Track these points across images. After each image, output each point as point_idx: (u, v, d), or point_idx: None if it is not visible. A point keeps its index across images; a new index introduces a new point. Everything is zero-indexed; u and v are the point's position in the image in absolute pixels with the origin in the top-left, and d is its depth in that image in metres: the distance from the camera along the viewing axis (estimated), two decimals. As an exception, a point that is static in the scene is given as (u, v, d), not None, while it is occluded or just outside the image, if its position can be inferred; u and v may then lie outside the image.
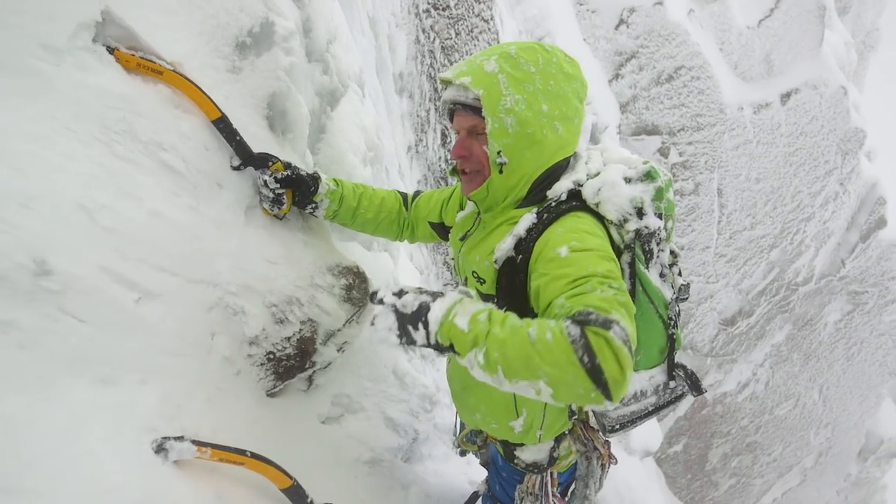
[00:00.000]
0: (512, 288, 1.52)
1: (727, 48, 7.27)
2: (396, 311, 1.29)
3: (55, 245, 1.25)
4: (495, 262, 1.52)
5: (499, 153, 1.46)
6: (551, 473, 1.86)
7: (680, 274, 1.66)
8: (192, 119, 1.63)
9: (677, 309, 1.62)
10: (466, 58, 1.50)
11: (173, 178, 1.56)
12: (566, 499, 2.00)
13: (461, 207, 1.84)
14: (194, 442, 1.30)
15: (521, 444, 1.84)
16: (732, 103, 7.23)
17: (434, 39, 4.43)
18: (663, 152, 7.15)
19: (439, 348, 1.28)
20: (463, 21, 4.57)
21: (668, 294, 1.58)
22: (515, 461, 1.84)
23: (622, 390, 1.14)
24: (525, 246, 1.46)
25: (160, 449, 1.26)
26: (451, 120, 1.60)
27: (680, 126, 7.11)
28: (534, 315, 1.43)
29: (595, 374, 1.12)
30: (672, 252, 1.62)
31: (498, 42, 5.18)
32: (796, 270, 8.47)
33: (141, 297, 1.41)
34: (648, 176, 1.51)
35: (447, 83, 1.54)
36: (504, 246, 1.50)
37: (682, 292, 1.63)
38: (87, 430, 1.18)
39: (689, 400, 8.31)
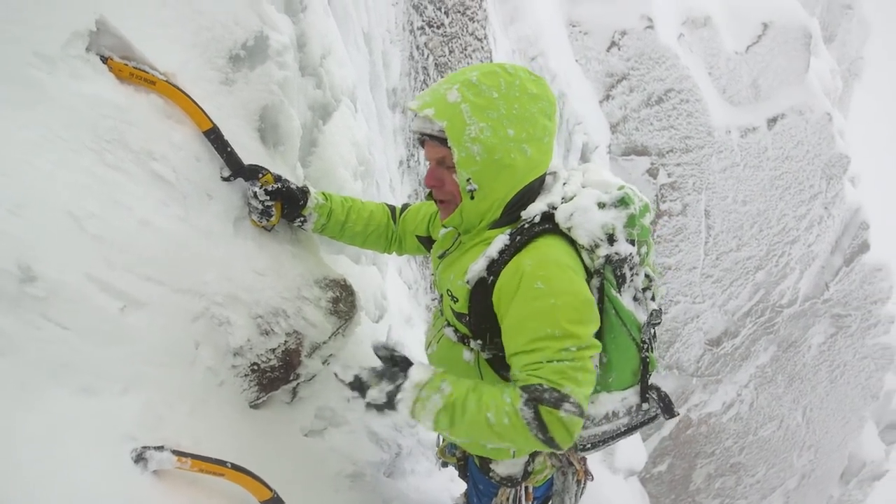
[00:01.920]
0: (483, 307, 1.55)
1: (716, 72, 7.40)
2: (368, 405, 1.53)
3: (42, 252, 1.25)
4: (467, 282, 1.55)
5: (468, 181, 1.48)
6: (526, 488, 1.86)
7: (653, 298, 1.68)
8: (183, 129, 1.64)
9: (651, 332, 1.65)
10: (431, 86, 1.51)
11: (163, 188, 1.57)
12: None
13: (444, 225, 1.86)
14: (174, 452, 1.29)
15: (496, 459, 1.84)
16: (720, 126, 7.35)
17: (428, 56, 4.48)
18: (652, 173, 7.23)
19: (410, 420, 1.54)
20: (457, 39, 4.63)
21: (642, 317, 1.61)
22: (490, 474, 1.85)
23: (571, 443, 1.41)
24: (497, 268, 1.49)
25: (140, 458, 1.25)
26: (423, 147, 1.62)
27: (669, 147, 7.21)
28: (500, 335, 1.55)
29: (548, 441, 1.39)
30: (647, 276, 1.64)
31: (491, 61, 5.25)
32: (781, 292, 8.56)
33: (126, 306, 1.41)
34: (622, 202, 1.54)
35: (413, 112, 1.54)
36: (476, 267, 1.53)
37: (655, 316, 1.66)
38: (67, 439, 1.17)
39: (670, 422, 8.33)
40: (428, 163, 1.60)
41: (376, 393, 1.49)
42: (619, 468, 6.62)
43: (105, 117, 1.46)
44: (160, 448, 1.29)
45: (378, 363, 1.59)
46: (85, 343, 1.31)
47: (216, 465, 1.36)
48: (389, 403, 1.48)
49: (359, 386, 1.53)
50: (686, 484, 9.05)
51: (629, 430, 1.70)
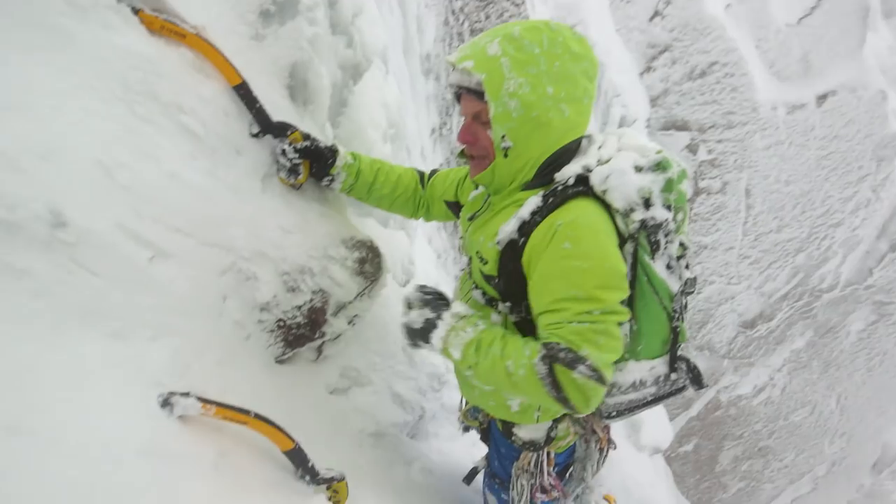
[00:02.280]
0: (513, 269, 1.53)
1: (764, 45, 7.11)
2: (404, 325, 1.59)
3: (72, 198, 1.27)
4: (497, 243, 1.53)
5: (503, 137, 1.45)
6: (548, 453, 1.86)
7: (688, 267, 1.63)
8: (212, 84, 1.64)
9: (683, 301, 1.61)
10: (472, 39, 1.48)
11: (192, 142, 1.58)
12: (564, 479, 2.01)
13: (475, 187, 1.83)
14: (199, 399, 1.32)
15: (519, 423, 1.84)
16: (766, 102, 7.09)
17: (463, 22, 4.40)
18: (692, 149, 7.04)
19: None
20: (493, 4, 4.54)
21: (675, 286, 1.56)
22: (513, 438, 1.85)
23: (590, 407, 1.39)
24: (528, 229, 1.47)
25: (166, 403, 1.28)
26: (459, 103, 1.59)
27: (710, 123, 6.99)
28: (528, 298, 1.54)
29: (563, 401, 1.38)
30: (682, 244, 1.59)
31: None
32: (821, 276, 8.31)
33: (154, 256, 1.43)
34: (660, 166, 1.49)
35: (451, 65, 1.51)
36: (508, 228, 1.50)
37: (689, 285, 1.61)
38: (95, 381, 1.20)
39: (698, 403, 8.24)
40: (463, 119, 1.57)
41: (416, 315, 1.57)
42: (644, 445, 6.58)
43: (135, 69, 1.47)
44: (186, 394, 1.31)
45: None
46: (114, 290, 1.34)
47: (240, 413, 1.38)
48: (424, 332, 1.55)
49: (405, 305, 1.60)
50: (712, 465, 8.99)
51: (656, 399, 1.67)
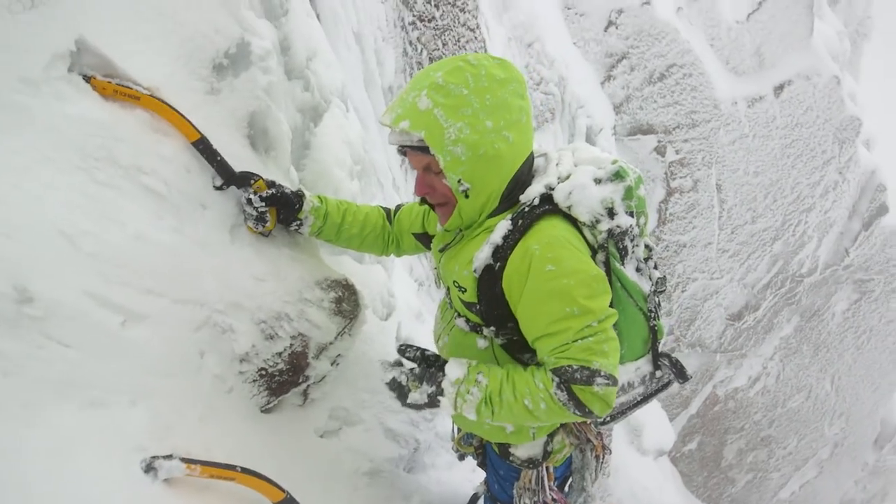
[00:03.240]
0: (492, 295, 1.55)
1: (717, 44, 7.30)
2: (409, 405, 1.65)
3: (36, 272, 1.27)
4: (474, 271, 1.55)
5: (459, 181, 1.47)
6: (547, 468, 1.87)
7: (656, 267, 1.69)
8: (171, 142, 1.65)
9: (656, 300, 1.67)
10: (398, 96, 1.49)
11: (156, 201, 1.58)
12: (564, 491, 2.01)
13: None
14: (183, 459, 1.31)
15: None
16: (726, 98, 7.25)
17: (422, 51, 4.47)
18: (660, 151, 7.16)
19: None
20: (449, 31, 4.61)
21: (646, 287, 1.63)
22: (511, 458, 1.85)
23: (611, 407, 1.44)
24: (503, 253, 1.49)
25: (149, 468, 1.27)
26: (406, 156, 1.61)
27: (675, 124, 7.13)
28: (515, 323, 1.56)
29: (587, 415, 1.44)
30: (647, 246, 1.66)
31: (486, 51, 5.22)
32: (800, 262, 8.44)
33: (126, 320, 1.43)
34: (617, 175, 1.54)
35: (387, 127, 1.52)
36: (482, 255, 1.52)
37: (660, 284, 1.67)
38: (76, 453, 1.19)
39: (696, 400, 8.26)
40: (416, 171, 1.60)
41: (418, 395, 1.61)
42: (647, 449, 6.57)
43: (92, 136, 1.48)
44: (169, 457, 1.30)
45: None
46: (88, 359, 1.33)
47: (225, 469, 1.37)
48: (432, 404, 1.59)
49: (397, 387, 1.64)
50: (717, 460, 8.98)
51: (645, 398, 1.74)
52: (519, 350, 1.63)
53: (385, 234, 2.05)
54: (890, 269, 9.29)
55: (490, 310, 1.59)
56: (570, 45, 6.81)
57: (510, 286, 1.50)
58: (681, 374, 1.70)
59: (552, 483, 1.90)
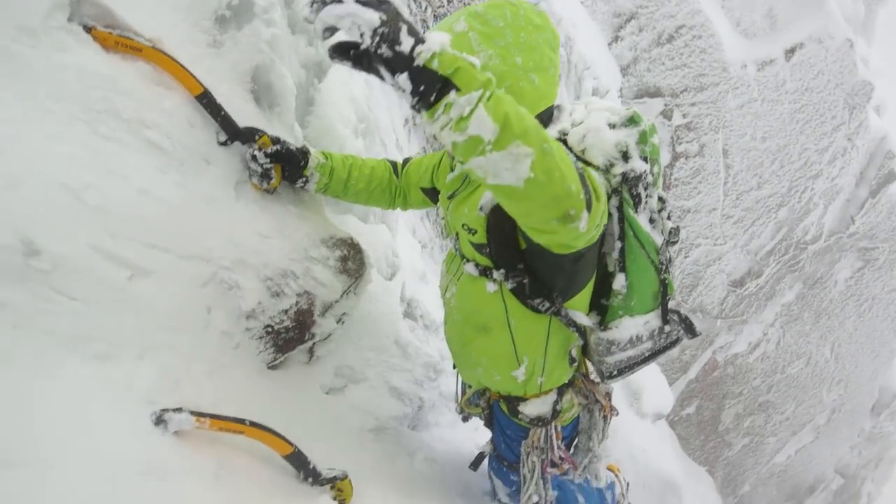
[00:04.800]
0: (502, 235, 1.56)
1: (728, 4, 7.11)
2: (368, 2, 0.98)
3: (42, 225, 1.26)
4: (480, 209, 1.56)
5: None
6: (555, 427, 1.89)
7: (669, 217, 1.69)
8: (174, 96, 1.62)
9: (668, 254, 1.67)
10: (436, 23, 1.49)
11: (159, 156, 1.56)
12: (571, 452, 2.03)
13: (451, 169, 1.85)
14: (193, 413, 1.32)
15: (525, 399, 1.86)
16: (735, 61, 7.09)
17: (426, 8, 4.37)
18: (666, 114, 7.04)
19: (421, 78, 1.00)
20: (454, -12, 4.49)
21: (659, 239, 1.63)
22: (519, 416, 1.87)
23: (597, 213, 1.23)
24: None
25: (159, 421, 1.28)
26: None
27: (682, 87, 6.99)
28: (526, 264, 1.53)
29: (584, 185, 1.17)
30: (660, 198, 1.65)
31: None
32: (805, 229, 8.39)
33: (133, 274, 1.42)
34: (631, 120, 1.55)
35: None
36: (489, 194, 1.52)
37: (673, 235, 1.67)
38: (85, 405, 1.20)
39: (696, 365, 8.33)
40: None
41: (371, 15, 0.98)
42: (646, 413, 6.66)
43: (93, 88, 1.45)
44: (178, 410, 1.32)
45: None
46: (96, 312, 1.33)
47: (235, 423, 1.39)
48: (412, 27, 1.02)
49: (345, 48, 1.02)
50: (715, 424, 9.11)
51: (653, 354, 1.74)
52: (529, 294, 1.63)
53: (392, 187, 2.04)
54: (895, 237, 9.24)
55: (500, 250, 1.60)
56: (577, 4, 6.65)
57: None
58: (689, 329, 1.70)
59: (560, 442, 1.92)
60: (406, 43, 0.98)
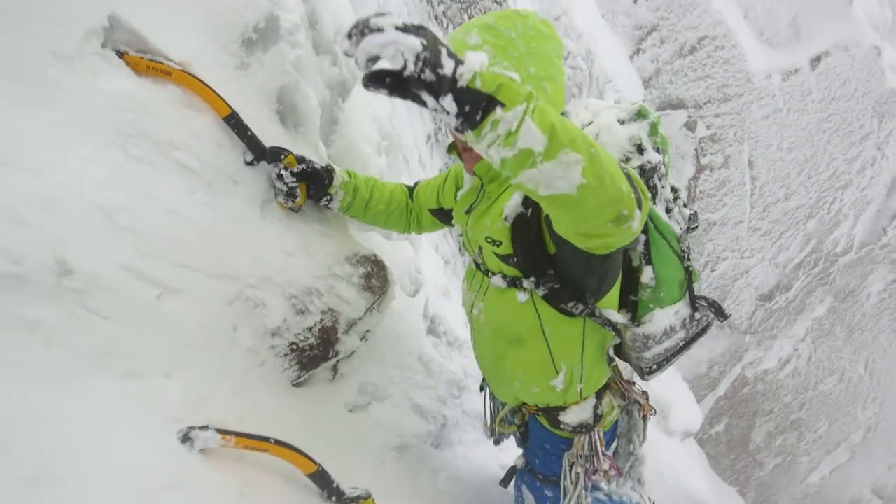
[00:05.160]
0: (529, 243, 1.56)
1: (751, 14, 7.07)
2: (408, 29, 0.95)
3: (76, 245, 1.29)
4: (505, 219, 1.56)
5: None
6: (598, 432, 1.86)
7: (685, 205, 1.72)
8: (203, 117, 1.66)
9: (687, 242, 1.70)
10: (446, 35, 1.52)
11: (188, 177, 1.59)
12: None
13: (457, 187, 1.88)
14: (218, 431, 1.33)
15: (564, 408, 1.83)
16: (760, 71, 7.03)
17: (447, 26, 4.41)
18: (690, 126, 7.00)
19: (465, 99, 1.00)
20: (475, 5, 4.54)
21: (678, 228, 1.67)
22: (561, 426, 1.84)
23: (646, 210, 1.20)
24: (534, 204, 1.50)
25: (186, 438, 1.29)
26: None
27: (706, 98, 6.95)
28: (556, 270, 1.55)
29: (633, 185, 1.16)
30: (673, 188, 1.69)
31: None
32: (835, 241, 8.22)
33: (162, 293, 1.45)
34: (640, 114, 1.59)
35: None
36: (512, 203, 1.54)
37: (692, 221, 1.71)
38: (113, 422, 1.21)
39: (724, 382, 8.16)
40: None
41: (413, 40, 0.95)
42: (674, 431, 6.53)
43: (125, 111, 1.49)
44: (204, 427, 1.33)
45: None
46: (125, 330, 1.35)
47: (259, 441, 1.39)
48: (436, 56, 0.98)
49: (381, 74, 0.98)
50: (745, 443, 8.90)
51: (687, 343, 1.75)
52: (561, 299, 1.62)
53: (408, 210, 2.07)
54: (929, 248, 9.00)
55: (528, 258, 1.60)
56: (598, 17, 6.67)
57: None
58: (720, 312, 1.70)
59: (604, 448, 1.89)
60: (448, 65, 0.99)
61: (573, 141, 1.06)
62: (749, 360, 8.30)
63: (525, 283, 1.64)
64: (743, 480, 8.94)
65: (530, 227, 1.53)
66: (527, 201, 1.52)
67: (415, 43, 0.95)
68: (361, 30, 0.93)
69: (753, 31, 7.10)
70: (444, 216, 2.00)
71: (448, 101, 1.00)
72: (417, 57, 0.95)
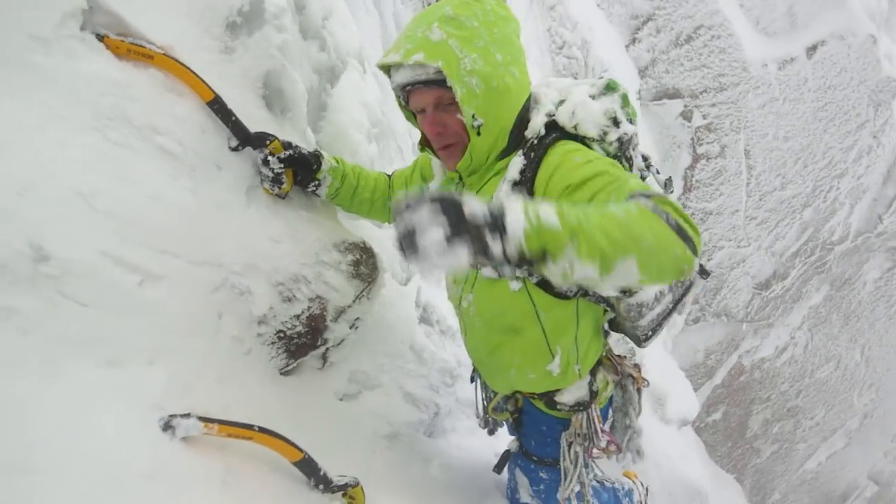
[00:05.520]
0: None
1: (748, 3, 7.01)
2: (456, 221, 1.00)
3: (52, 231, 1.26)
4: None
5: (473, 116, 1.47)
6: (595, 409, 1.85)
7: (658, 172, 1.75)
8: (186, 102, 1.63)
9: None
10: (401, 35, 1.48)
11: (170, 162, 1.57)
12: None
13: (424, 179, 1.89)
14: (201, 418, 1.31)
15: (560, 389, 1.83)
16: (756, 60, 6.98)
17: None
18: (686, 116, 6.95)
19: (520, 262, 1.07)
20: (468, -7, 4.51)
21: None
22: (558, 407, 1.83)
23: (700, 242, 1.21)
24: (522, 187, 1.49)
25: (167, 426, 1.27)
26: (406, 103, 1.59)
27: (702, 88, 6.90)
28: None
29: (681, 234, 1.16)
30: (644, 156, 1.71)
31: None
32: (831, 229, 8.20)
33: (144, 280, 1.42)
34: (609, 87, 1.60)
35: (394, 66, 1.50)
36: (500, 194, 1.51)
37: (668, 186, 1.74)
38: (93, 409, 1.19)
39: (721, 370, 8.18)
40: (420, 113, 1.57)
41: (476, 205, 1.05)
42: (671, 419, 6.54)
43: (105, 95, 1.46)
44: (186, 415, 1.31)
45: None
46: (106, 317, 1.33)
47: (243, 428, 1.37)
48: (496, 220, 1.06)
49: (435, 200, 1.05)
50: (742, 431, 8.92)
51: (675, 304, 1.74)
52: (554, 289, 1.63)
53: (390, 199, 2.04)
54: (926, 236, 8.99)
55: None
56: (593, 6, 6.61)
57: (542, 195, 1.48)
58: (701, 270, 1.69)
59: (602, 425, 1.88)
60: (495, 247, 1.04)
61: (623, 248, 1.09)
62: (746, 348, 8.30)
63: (518, 272, 1.62)
64: (740, 468, 8.96)
65: None
66: (515, 190, 1.51)
67: (461, 253, 1.01)
68: (411, 249, 1.02)
69: (749, 21, 7.05)
70: None
71: (506, 270, 1.33)
72: (471, 255, 1.03)
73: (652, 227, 1.13)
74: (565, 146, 1.51)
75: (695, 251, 1.17)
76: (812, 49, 7.30)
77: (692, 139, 7.03)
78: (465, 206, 1.04)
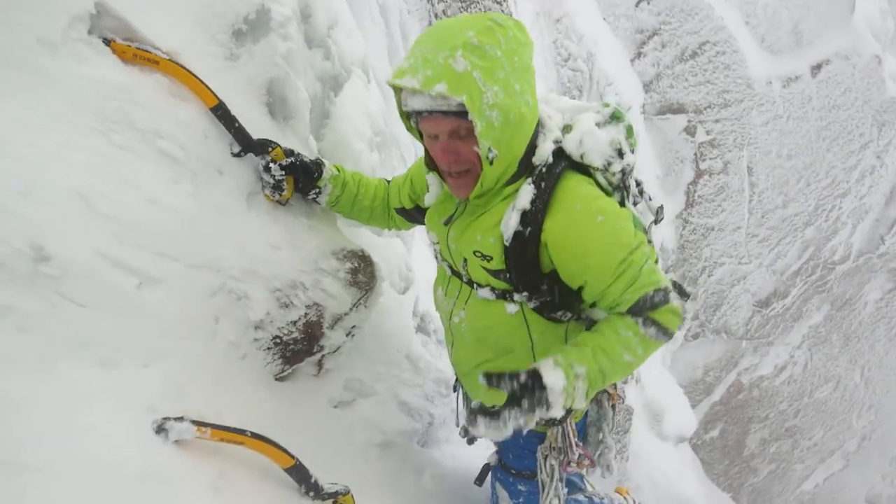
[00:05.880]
0: (525, 261, 1.55)
1: (753, 21, 7.04)
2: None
3: (53, 231, 1.28)
4: (506, 239, 1.54)
5: (489, 149, 1.44)
6: (570, 424, 1.86)
7: (651, 199, 1.79)
8: (189, 107, 1.65)
9: (650, 234, 1.80)
10: (417, 54, 1.39)
11: (172, 166, 1.58)
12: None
13: (414, 191, 1.92)
14: (194, 422, 1.32)
15: None
16: (760, 78, 7.01)
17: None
18: (689, 131, 6.97)
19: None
20: (475, 4, 4.53)
21: (646, 220, 1.77)
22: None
23: (680, 322, 1.53)
24: (533, 217, 1.50)
25: (160, 429, 1.28)
26: (415, 123, 1.53)
27: (706, 103, 6.92)
28: (547, 284, 1.60)
29: (670, 336, 1.52)
30: (637, 181, 1.76)
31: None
32: (833, 249, 8.20)
33: (142, 282, 1.43)
34: (615, 117, 1.61)
35: (410, 91, 1.42)
36: (511, 222, 1.53)
37: (659, 213, 1.79)
38: (87, 410, 1.20)
39: (720, 387, 8.14)
40: (431, 139, 1.52)
41: (530, 420, 1.44)
42: (668, 435, 6.51)
43: (110, 98, 1.48)
44: (180, 419, 1.31)
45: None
46: (103, 319, 1.34)
47: (235, 433, 1.38)
48: (542, 405, 1.44)
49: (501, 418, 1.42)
50: (740, 449, 8.87)
51: None
52: (551, 310, 1.66)
53: (390, 207, 2.05)
54: (927, 258, 8.97)
55: (522, 275, 1.59)
56: (599, 20, 6.64)
57: (557, 248, 1.53)
58: (681, 292, 1.69)
59: (576, 439, 1.89)
60: (557, 410, 1.44)
61: (612, 376, 1.51)
62: (745, 366, 8.27)
63: (516, 297, 1.64)
64: (736, 486, 8.91)
65: (527, 245, 1.53)
66: (524, 220, 1.51)
67: (527, 418, 1.43)
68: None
69: (755, 38, 7.08)
70: (407, 216, 2.00)
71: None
72: (537, 418, 1.46)
73: (647, 353, 1.51)
74: (578, 186, 1.53)
75: (678, 314, 1.51)
76: (817, 68, 7.33)
77: (695, 154, 7.04)
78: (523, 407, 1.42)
